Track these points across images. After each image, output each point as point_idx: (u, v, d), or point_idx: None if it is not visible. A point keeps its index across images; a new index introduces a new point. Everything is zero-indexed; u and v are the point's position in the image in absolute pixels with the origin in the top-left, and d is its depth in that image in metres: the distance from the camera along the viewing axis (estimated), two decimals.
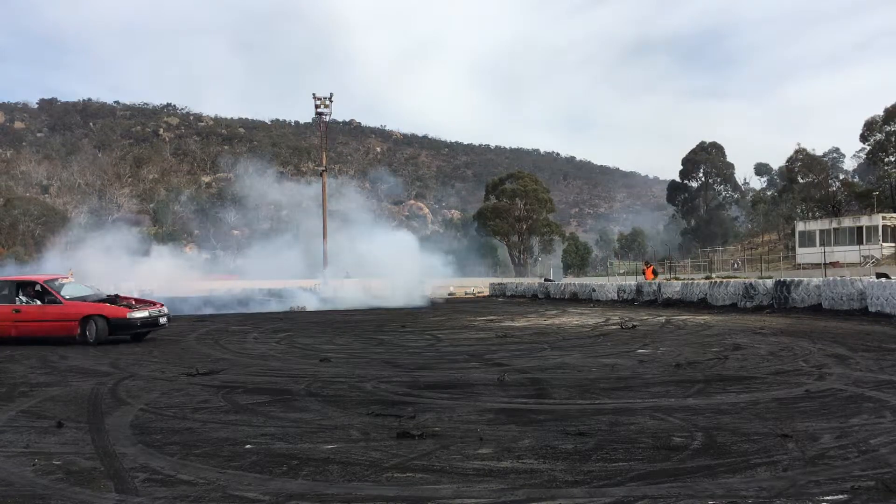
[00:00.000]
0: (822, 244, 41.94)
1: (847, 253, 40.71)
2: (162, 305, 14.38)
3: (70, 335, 12.93)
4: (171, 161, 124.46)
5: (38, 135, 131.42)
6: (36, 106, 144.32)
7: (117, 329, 13.09)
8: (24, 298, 13.30)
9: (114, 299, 13.99)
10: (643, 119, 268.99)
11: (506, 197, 69.99)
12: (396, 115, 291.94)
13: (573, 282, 39.77)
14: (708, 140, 74.47)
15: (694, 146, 73.99)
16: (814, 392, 6.29)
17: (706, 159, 72.87)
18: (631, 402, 6.08)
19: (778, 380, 7.07)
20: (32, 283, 13.69)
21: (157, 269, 33.13)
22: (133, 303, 14.14)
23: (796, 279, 18.75)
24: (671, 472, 3.86)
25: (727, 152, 73.78)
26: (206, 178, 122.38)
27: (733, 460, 4.08)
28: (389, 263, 33.99)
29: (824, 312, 16.41)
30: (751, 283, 20.16)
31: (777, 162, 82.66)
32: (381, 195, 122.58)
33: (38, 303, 13.26)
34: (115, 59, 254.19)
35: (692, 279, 30.99)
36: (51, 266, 31.79)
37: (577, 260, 74.05)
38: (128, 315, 13.18)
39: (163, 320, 13.93)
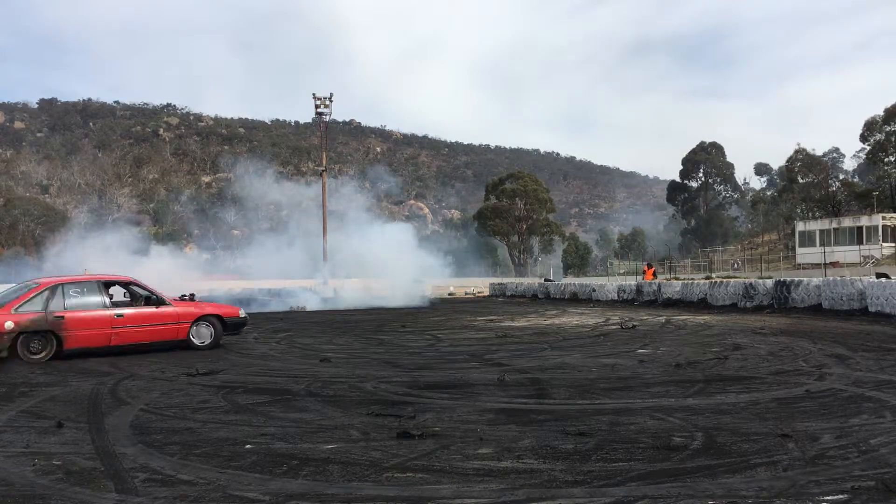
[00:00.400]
0: (822, 244, 41.97)
1: (847, 253, 40.73)
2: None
3: (180, 340, 11.73)
4: (171, 161, 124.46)
5: (38, 135, 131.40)
6: (36, 106, 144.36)
7: (232, 329, 12.43)
8: (103, 301, 11.09)
9: (192, 298, 12.96)
10: (643, 119, 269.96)
11: (506, 197, 69.99)
12: (396, 115, 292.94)
13: (573, 282, 39.78)
14: (708, 140, 74.69)
15: (694, 146, 74.14)
16: (814, 392, 6.29)
17: (706, 159, 72.91)
18: (631, 402, 6.08)
19: (778, 380, 7.07)
20: (125, 283, 11.83)
21: (156, 269, 33.10)
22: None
23: (796, 279, 18.75)
24: (671, 472, 3.86)
25: (727, 152, 73.97)
26: (206, 178, 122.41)
27: (733, 460, 4.08)
28: (387, 260, 34.06)
29: (824, 312, 16.41)
30: (751, 283, 20.15)
31: (777, 162, 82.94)
32: (381, 195, 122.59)
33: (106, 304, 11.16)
34: (115, 59, 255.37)
35: (692, 279, 30.98)
36: (50, 266, 31.77)
37: (577, 260, 74.11)
38: (240, 313, 12.57)
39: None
